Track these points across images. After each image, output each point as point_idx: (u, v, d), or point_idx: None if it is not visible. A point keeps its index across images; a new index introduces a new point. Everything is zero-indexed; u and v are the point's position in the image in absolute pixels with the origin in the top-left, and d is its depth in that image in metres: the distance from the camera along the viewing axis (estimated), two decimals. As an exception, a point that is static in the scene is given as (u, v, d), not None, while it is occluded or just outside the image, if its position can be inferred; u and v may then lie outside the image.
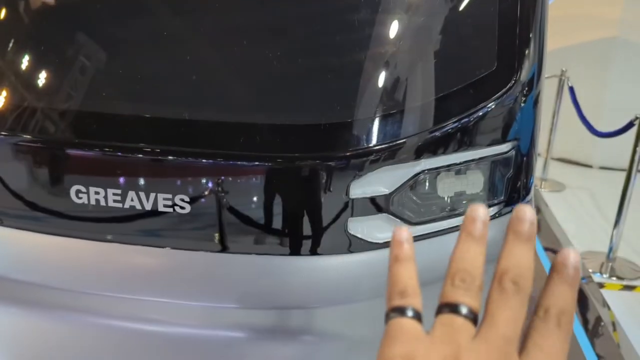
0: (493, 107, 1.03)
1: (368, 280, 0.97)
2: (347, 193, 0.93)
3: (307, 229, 0.96)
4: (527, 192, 1.15)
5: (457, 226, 1.05)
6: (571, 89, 4.23)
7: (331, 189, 0.94)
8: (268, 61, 1.01)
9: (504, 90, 1.04)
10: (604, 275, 2.97)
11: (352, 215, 0.94)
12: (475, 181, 1.06)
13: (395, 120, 0.95)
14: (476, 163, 1.04)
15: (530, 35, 1.08)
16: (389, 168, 0.94)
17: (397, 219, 0.98)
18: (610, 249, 3.00)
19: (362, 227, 0.96)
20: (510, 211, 1.12)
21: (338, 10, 1.10)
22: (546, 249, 2.98)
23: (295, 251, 0.96)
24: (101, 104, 1.00)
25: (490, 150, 1.06)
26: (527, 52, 1.07)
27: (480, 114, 1.02)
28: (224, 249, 0.96)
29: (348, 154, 0.93)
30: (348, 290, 0.98)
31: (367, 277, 0.96)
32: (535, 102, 1.10)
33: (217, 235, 0.96)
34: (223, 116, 0.99)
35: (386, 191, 0.96)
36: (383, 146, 0.94)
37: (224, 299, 0.99)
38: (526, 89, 1.07)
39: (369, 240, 0.97)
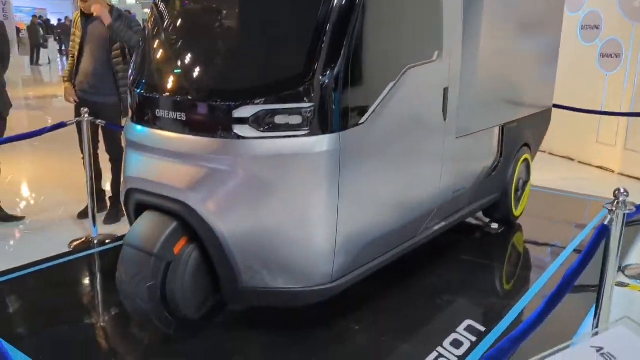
0: (303, 85, 2.40)
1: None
2: (232, 115, 2.45)
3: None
4: (330, 126, 2.44)
5: (284, 136, 2.44)
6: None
7: (225, 113, 2.46)
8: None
9: (309, 77, 2.40)
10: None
11: (234, 123, 2.45)
12: (296, 118, 2.43)
13: (250, 89, 2.44)
14: (295, 110, 2.42)
15: (332, 44, 2.40)
16: (248, 107, 2.42)
17: (252, 129, 2.43)
18: None
19: (239, 128, 2.45)
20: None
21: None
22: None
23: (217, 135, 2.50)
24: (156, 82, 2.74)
25: (301, 105, 2.42)
26: (329, 57, 2.41)
27: (296, 90, 2.41)
28: (194, 133, 2.57)
29: (232, 102, 2.45)
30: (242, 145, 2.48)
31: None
32: (332, 82, 2.41)
33: (195, 128, 2.57)
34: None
35: (248, 115, 2.43)
36: (250, 103, 2.43)
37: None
38: (326, 77, 2.40)
39: (241, 134, 2.45)
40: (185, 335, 2.74)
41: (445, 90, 3.22)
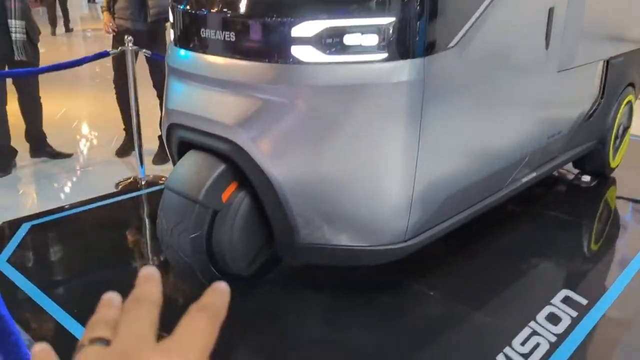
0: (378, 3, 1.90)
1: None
2: (290, 34, 1.98)
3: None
4: (412, 49, 1.94)
5: (355, 61, 1.96)
6: None
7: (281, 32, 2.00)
8: None
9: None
10: None
11: (293, 44, 1.98)
12: (370, 38, 1.94)
13: (313, 1, 1.95)
14: (370, 27, 1.92)
15: None
16: (310, 24, 1.94)
17: (316, 51, 1.96)
18: None
19: (299, 51, 1.98)
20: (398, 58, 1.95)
21: None
22: None
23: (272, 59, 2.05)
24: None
25: (377, 20, 1.92)
26: None
27: (372, 2, 1.91)
28: (244, 58, 2.12)
29: (290, 18, 1.97)
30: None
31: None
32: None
33: (246, 50, 2.12)
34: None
35: (310, 35, 1.95)
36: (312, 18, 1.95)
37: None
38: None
39: (301, 58, 1.98)
40: (233, 294, 2.40)
41: (551, 10, 2.61)
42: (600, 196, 3.81)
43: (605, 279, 2.66)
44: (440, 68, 2.05)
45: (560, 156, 3.34)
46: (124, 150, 4.53)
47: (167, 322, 0.41)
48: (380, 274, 2.58)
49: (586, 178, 3.98)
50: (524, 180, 2.98)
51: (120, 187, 3.95)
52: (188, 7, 2.34)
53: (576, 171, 4.07)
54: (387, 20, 1.92)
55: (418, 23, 1.94)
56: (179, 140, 2.40)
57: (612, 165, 3.98)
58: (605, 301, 2.45)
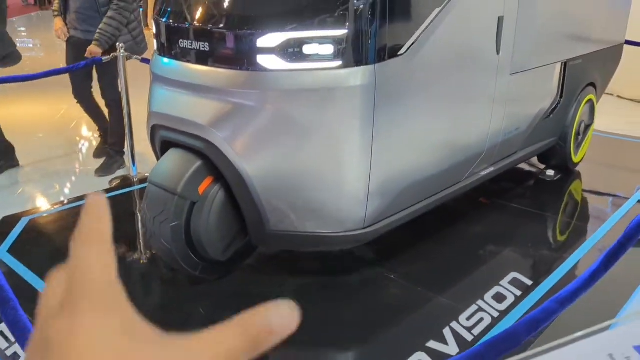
0: (335, 10, 2.16)
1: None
2: (256, 45, 2.24)
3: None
4: (365, 57, 2.20)
5: (313, 68, 2.22)
6: None
7: (248, 43, 2.26)
8: None
9: (343, 0, 2.15)
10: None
11: (259, 54, 2.24)
12: (327, 48, 2.20)
13: (276, 15, 2.21)
14: (326, 38, 2.18)
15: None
16: (273, 35, 2.20)
17: (279, 60, 2.22)
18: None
19: (264, 59, 2.25)
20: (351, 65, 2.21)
21: None
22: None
23: (241, 67, 2.31)
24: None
25: (332, 32, 2.18)
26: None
27: (327, 16, 2.17)
28: (217, 65, 2.38)
29: (256, 30, 2.23)
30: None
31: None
32: (369, 7, 2.16)
33: (218, 59, 2.38)
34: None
35: (274, 45, 2.22)
36: (275, 30, 2.21)
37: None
38: (362, 1, 2.15)
39: (266, 65, 2.25)
40: (212, 277, 2.67)
41: (500, 19, 2.87)
42: (561, 190, 4.07)
43: (552, 264, 2.92)
44: (391, 73, 2.31)
45: (521, 151, 3.60)
46: (99, 152, 4.73)
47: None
48: (345, 258, 2.85)
49: (550, 172, 4.24)
50: (483, 174, 3.24)
51: (113, 184, 4.21)
52: (169, 20, 2.60)
53: (542, 166, 4.34)
54: (341, 32, 2.19)
55: (369, 34, 2.20)
56: (161, 140, 2.66)
57: (575, 160, 4.24)
58: (548, 283, 2.71)
